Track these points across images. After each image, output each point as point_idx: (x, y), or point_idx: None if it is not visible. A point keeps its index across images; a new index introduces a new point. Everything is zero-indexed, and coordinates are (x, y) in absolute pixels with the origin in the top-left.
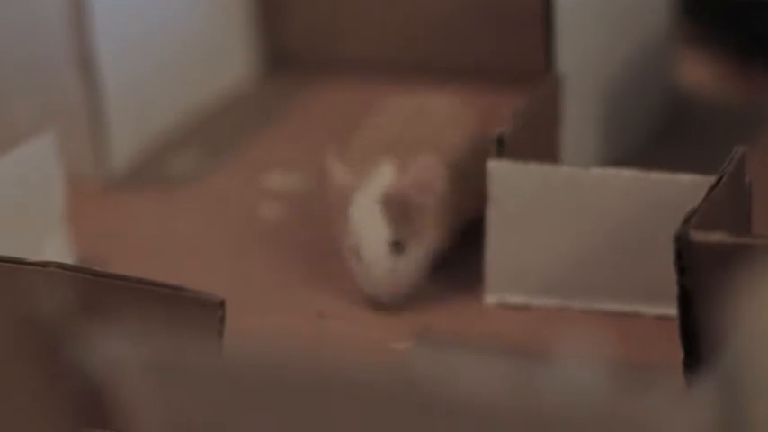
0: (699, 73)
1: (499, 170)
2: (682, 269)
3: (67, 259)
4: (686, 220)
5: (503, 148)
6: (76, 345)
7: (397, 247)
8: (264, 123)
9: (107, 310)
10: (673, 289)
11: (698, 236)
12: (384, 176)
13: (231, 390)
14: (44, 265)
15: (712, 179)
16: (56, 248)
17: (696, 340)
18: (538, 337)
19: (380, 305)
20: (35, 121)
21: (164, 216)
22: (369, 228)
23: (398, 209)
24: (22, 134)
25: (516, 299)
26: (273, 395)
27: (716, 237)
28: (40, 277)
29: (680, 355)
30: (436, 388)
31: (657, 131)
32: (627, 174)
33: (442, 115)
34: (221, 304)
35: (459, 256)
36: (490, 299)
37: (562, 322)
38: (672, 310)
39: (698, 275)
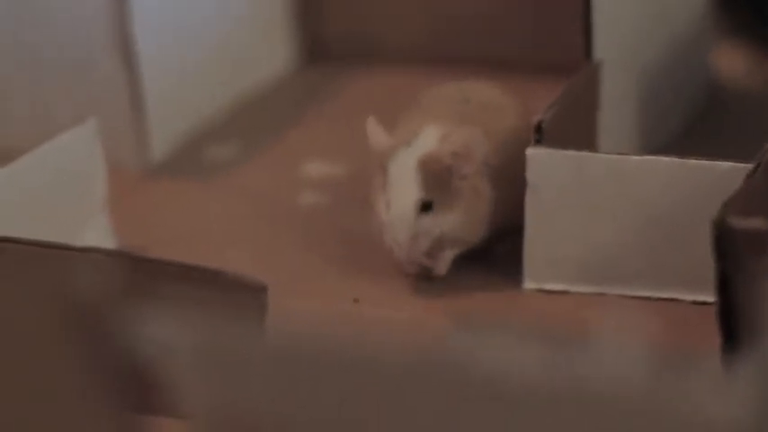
0: (735, 62)
1: (537, 157)
2: (720, 255)
3: (108, 246)
4: (724, 207)
5: (541, 135)
6: (121, 328)
7: (425, 206)
8: (303, 113)
9: (151, 293)
10: (711, 275)
11: (736, 221)
12: (426, 140)
13: (274, 374)
14: (87, 250)
15: (750, 166)
16: (97, 235)
17: (734, 325)
18: (576, 323)
19: (403, 267)
20: (77, 111)
21: (203, 204)
22: (401, 183)
23: (434, 172)
24: (65, 124)
25: (554, 285)
26: (316, 379)
27: (754, 222)
28: (84, 262)
29: (718, 340)
30: (473, 370)
31: (695, 119)
32: (665, 161)
33: (486, 103)
34: (264, 289)
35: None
36: (529, 285)
37: (600, 308)
38: (710, 296)
39: (736, 261)
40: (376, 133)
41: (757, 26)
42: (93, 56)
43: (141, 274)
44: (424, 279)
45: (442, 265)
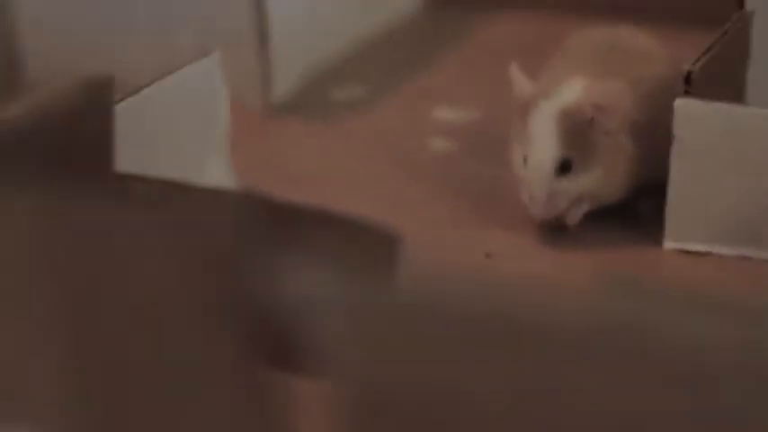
0: None
1: (686, 109)
2: None
3: (229, 186)
4: None
5: (690, 86)
6: (257, 277)
7: (564, 165)
8: (431, 56)
9: (287, 241)
10: None
11: None
12: (568, 92)
13: (414, 334)
14: (220, 192)
15: None
16: (217, 174)
17: None
18: (717, 287)
19: (538, 220)
20: (201, 48)
21: (327, 146)
22: (540, 139)
23: (575, 126)
24: (186, 56)
25: (697, 246)
26: (456, 337)
27: None
28: (218, 204)
29: None
30: (647, 340)
31: None
32: None
33: (636, 49)
34: (398, 240)
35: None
36: (669, 245)
37: (744, 272)
38: None
39: None
40: (519, 80)
41: None
42: None
43: (276, 218)
44: (554, 228)
45: (575, 215)
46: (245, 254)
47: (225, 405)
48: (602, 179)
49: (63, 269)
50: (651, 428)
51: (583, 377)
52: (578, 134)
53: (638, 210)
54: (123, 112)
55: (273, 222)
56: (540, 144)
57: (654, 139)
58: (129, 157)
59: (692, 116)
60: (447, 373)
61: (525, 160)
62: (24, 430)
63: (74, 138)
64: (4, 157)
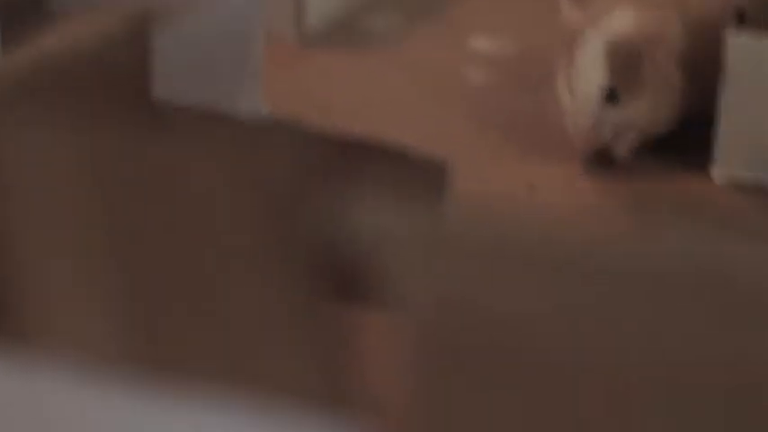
0: None
1: (738, 43)
2: None
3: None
4: None
5: (743, 20)
6: (322, 211)
7: (611, 95)
8: None
9: (347, 173)
10: None
11: None
12: (618, 22)
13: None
14: (274, 124)
15: None
16: (250, 104)
17: None
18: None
19: (582, 146)
20: None
21: (362, 77)
22: (588, 69)
23: (623, 56)
24: None
25: (746, 177)
26: (511, 267)
27: None
28: (272, 134)
29: None
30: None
31: None
32: None
33: None
34: (447, 167)
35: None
36: (719, 176)
37: None
38: None
39: None
40: (568, 8)
41: None
42: None
43: (329, 149)
44: (603, 161)
45: (625, 146)
46: (304, 185)
47: (290, 339)
48: (649, 111)
49: (110, 199)
50: (707, 365)
51: (637, 312)
52: (626, 64)
53: (683, 142)
54: (166, 39)
55: (328, 153)
56: (588, 73)
57: (701, 69)
58: (168, 83)
59: (743, 49)
60: (504, 301)
61: (572, 90)
62: (74, 358)
63: (112, 69)
64: (44, 87)
